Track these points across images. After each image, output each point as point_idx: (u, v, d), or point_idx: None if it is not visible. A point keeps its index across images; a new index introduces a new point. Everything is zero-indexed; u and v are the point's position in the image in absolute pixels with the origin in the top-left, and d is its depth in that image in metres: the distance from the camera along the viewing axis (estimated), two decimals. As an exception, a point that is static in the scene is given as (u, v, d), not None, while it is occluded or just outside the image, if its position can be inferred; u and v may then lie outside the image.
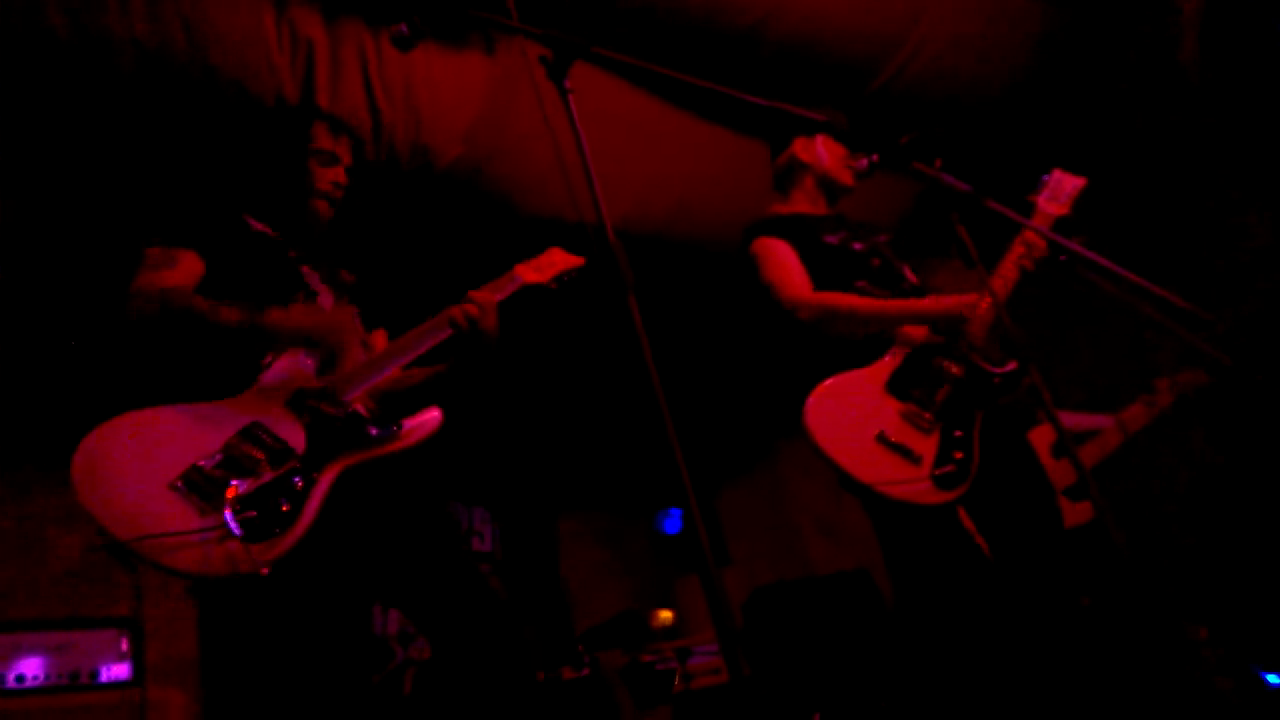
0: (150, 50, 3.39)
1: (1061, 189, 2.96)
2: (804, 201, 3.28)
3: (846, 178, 3.23)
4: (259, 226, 2.62)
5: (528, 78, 1.92)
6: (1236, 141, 4.51)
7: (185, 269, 2.39)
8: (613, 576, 7.51)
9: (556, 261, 2.79)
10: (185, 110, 3.62)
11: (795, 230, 3.13)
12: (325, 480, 2.21)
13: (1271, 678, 3.31)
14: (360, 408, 2.37)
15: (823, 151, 3.26)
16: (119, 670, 4.36)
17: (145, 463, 2.08)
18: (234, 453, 2.15)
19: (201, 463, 2.10)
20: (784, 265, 3.02)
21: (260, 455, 2.17)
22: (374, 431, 2.33)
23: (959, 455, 2.68)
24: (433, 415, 2.44)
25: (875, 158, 2.76)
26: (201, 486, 2.07)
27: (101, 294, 2.49)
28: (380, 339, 2.70)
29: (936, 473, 2.63)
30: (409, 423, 2.39)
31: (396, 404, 2.51)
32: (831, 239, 3.12)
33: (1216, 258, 4.54)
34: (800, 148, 3.28)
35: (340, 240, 2.82)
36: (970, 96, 4.64)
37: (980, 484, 2.69)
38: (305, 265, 2.64)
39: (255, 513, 2.08)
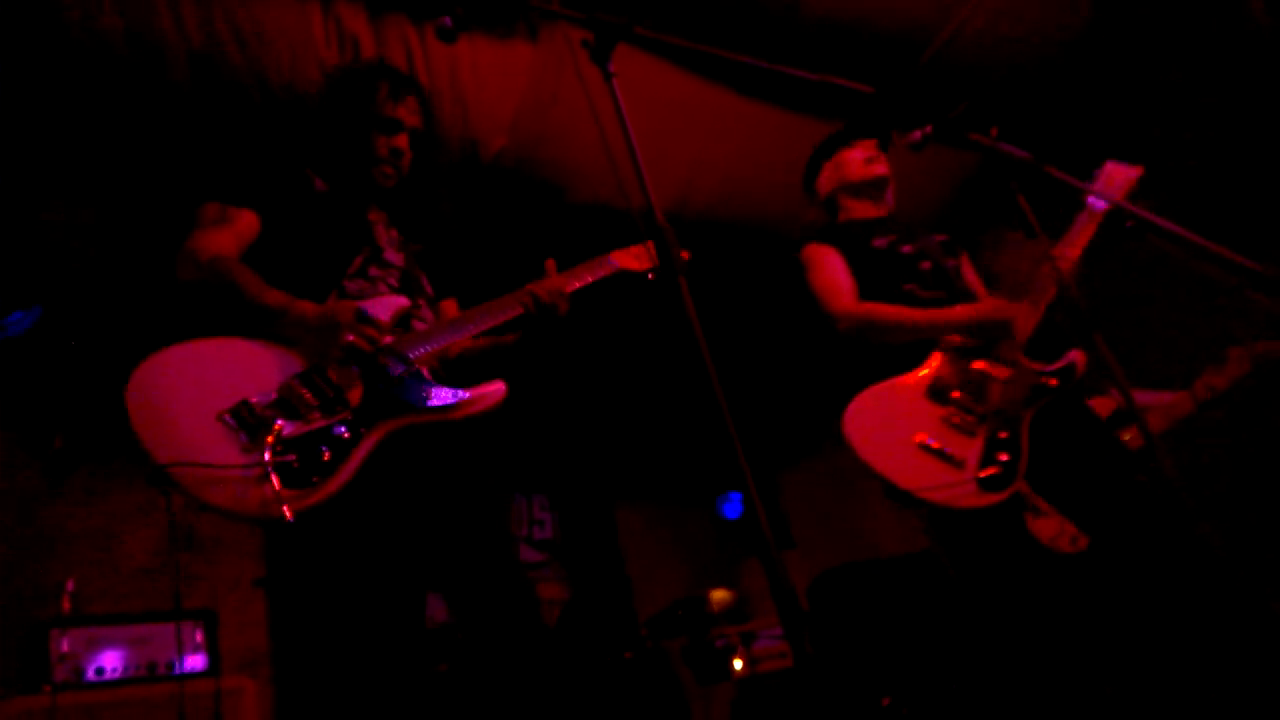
0: (203, 56, 3.47)
1: (1114, 181, 2.88)
2: (854, 209, 3.30)
3: (877, 169, 3.24)
4: (322, 186, 2.57)
5: (571, 64, 1.91)
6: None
7: (239, 229, 2.37)
8: (675, 562, 7.51)
9: (647, 257, 2.79)
10: (238, 109, 3.68)
11: (844, 237, 3.15)
12: (374, 437, 2.16)
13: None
14: (425, 370, 2.33)
15: (843, 164, 3.29)
16: (195, 661, 4.45)
17: (201, 391, 2.05)
18: (288, 394, 2.12)
19: (254, 399, 2.07)
20: (829, 274, 3.05)
21: (314, 400, 2.13)
22: (433, 394, 2.28)
23: (1004, 457, 2.64)
24: (496, 388, 2.38)
25: (929, 129, 2.70)
26: (248, 422, 2.04)
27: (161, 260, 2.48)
28: (450, 307, 2.69)
29: (980, 475, 2.60)
30: (470, 392, 2.33)
31: (461, 371, 2.48)
32: (880, 243, 3.12)
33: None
34: (827, 174, 3.33)
35: (409, 210, 2.77)
36: (1025, 63, 4.52)
37: (1050, 466, 2.65)
38: (374, 226, 2.59)
39: (295, 457, 2.04)
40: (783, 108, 4.43)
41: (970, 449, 2.65)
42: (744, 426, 1.57)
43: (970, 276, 3.17)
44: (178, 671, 4.36)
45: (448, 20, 2.09)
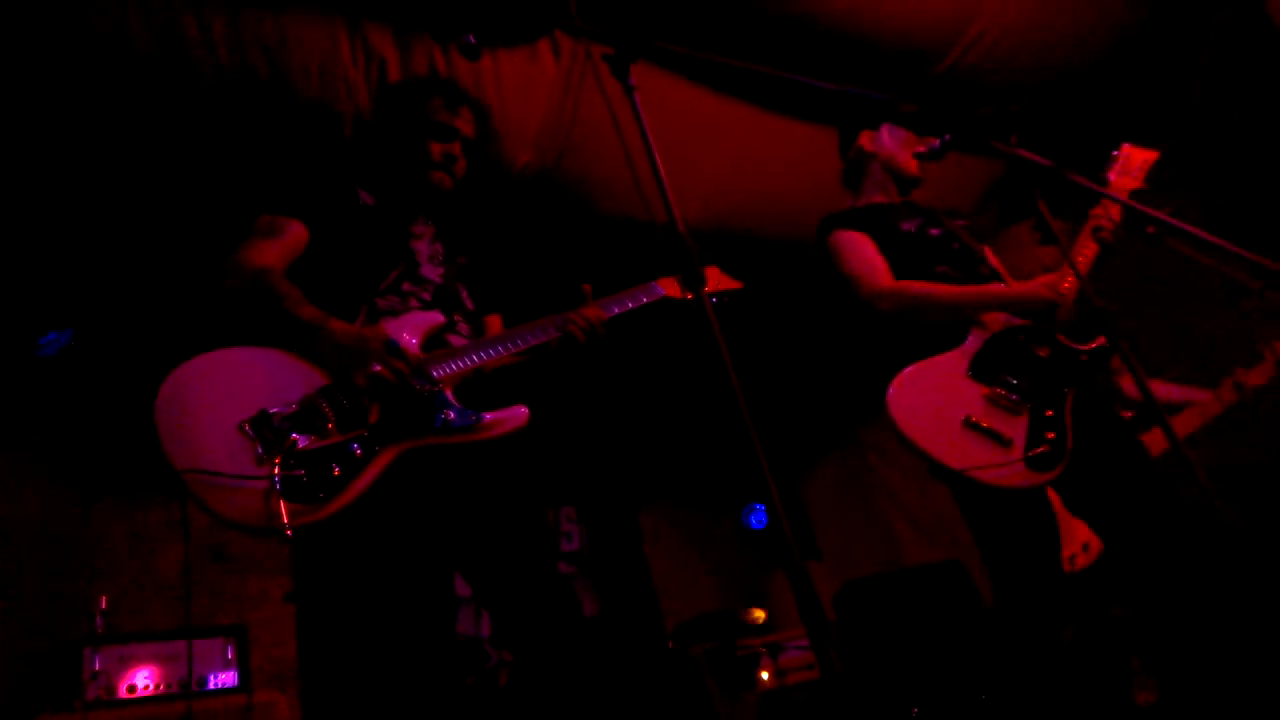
0: (233, 78, 3.52)
1: (1132, 163, 2.88)
2: (876, 193, 3.24)
3: (913, 166, 3.18)
4: (366, 198, 2.61)
5: (593, 78, 1.93)
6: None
7: (287, 240, 2.42)
8: (702, 574, 7.48)
9: (709, 280, 2.77)
10: (269, 129, 3.75)
11: (872, 221, 3.10)
12: (387, 456, 2.16)
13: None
14: (449, 390, 2.33)
15: (887, 139, 3.23)
16: (226, 677, 4.48)
17: (226, 399, 2.09)
18: (308, 408, 2.14)
19: (272, 410, 2.10)
20: (862, 257, 2.99)
21: (332, 416, 2.15)
22: (452, 417, 2.28)
23: (1051, 435, 2.60)
24: (518, 413, 2.37)
25: (947, 137, 2.71)
26: (265, 434, 2.06)
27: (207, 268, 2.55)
28: (495, 324, 2.70)
29: (1030, 454, 2.56)
30: (491, 416, 2.32)
31: (491, 385, 2.48)
32: (908, 226, 3.08)
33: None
34: (866, 140, 3.26)
35: (459, 222, 2.80)
36: (1039, 75, 4.52)
37: (1078, 464, 2.62)
38: (415, 241, 2.62)
39: (304, 472, 2.05)
40: (803, 120, 4.44)
41: (1016, 427, 2.62)
42: (767, 434, 1.58)
43: (994, 261, 3.15)
44: (210, 687, 4.39)
45: (471, 37, 2.13)
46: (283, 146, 3.77)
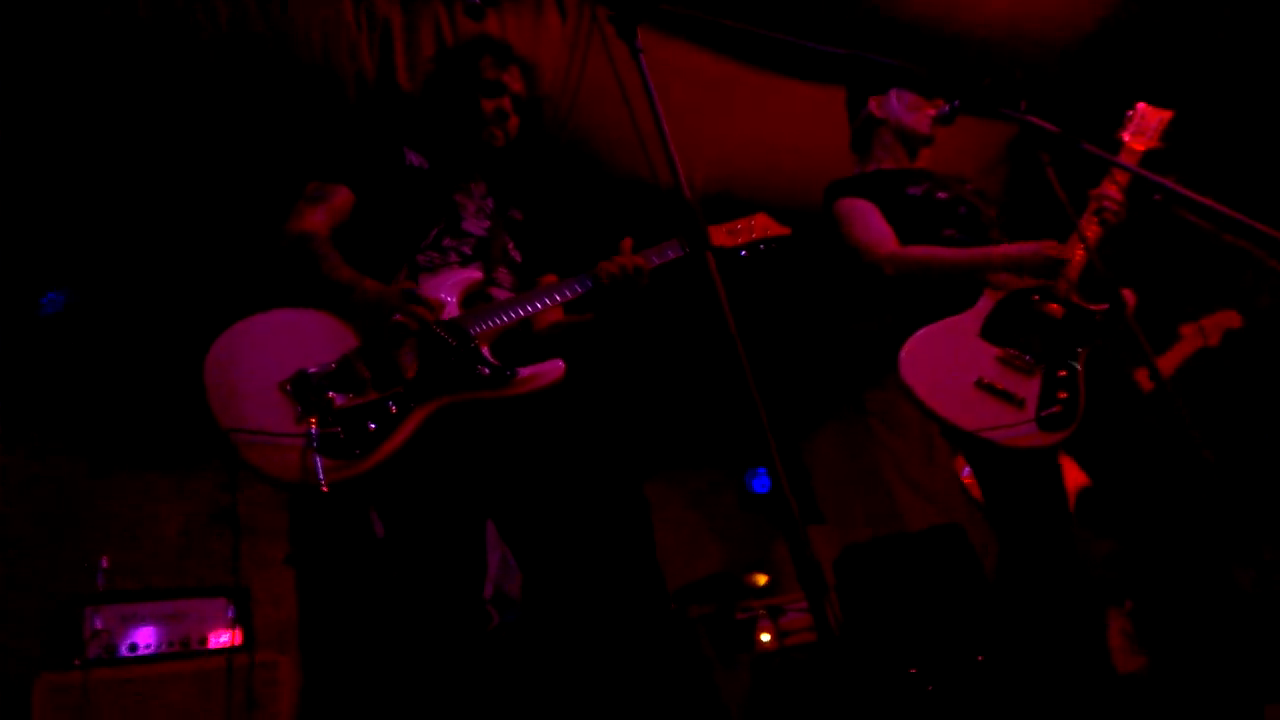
0: (233, 40, 3.51)
1: (1147, 123, 2.86)
2: (885, 158, 3.23)
3: (924, 126, 3.16)
4: (415, 160, 2.64)
5: (600, 40, 1.91)
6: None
7: (334, 204, 2.47)
8: (705, 538, 7.52)
9: (755, 227, 2.76)
10: (271, 93, 3.75)
11: (877, 187, 3.09)
12: (423, 412, 2.20)
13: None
14: (485, 347, 2.35)
15: (896, 104, 3.20)
16: (227, 637, 4.51)
17: (270, 360, 2.15)
18: (346, 366, 2.19)
19: (311, 369, 2.15)
20: (867, 223, 2.98)
21: (368, 374, 2.20)
22: (485, 372, 2.29)
23: (1064, 395, 2.60)
24: (554, 366, 2.37)
25: (957, 102, 2.69)
26: (304, 392, 2.12)
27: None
28: (550, 281, 2.67)
29: (1042, 414, 2.56)
30: (526, 371, 2.33)
31: (520, 348, 2.47)
32: (915, 190, 3.06)
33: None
34: (874, 105, 3.23)
35: (514, 178, 2.83)
36: (1049, 42, 4.48)
37: (1090, 426, 2.62)
38: (460, 195, 2.64)
39: (340, 429, 2.10)
40: (812, 82, 4.41)
41: (1029, 388, 2.62)
42: (771, 397, 1.58)
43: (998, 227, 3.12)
44: (210, 646, 4.43)
45: (476, -2, 2.11)
46: (287, 110, 3.75)
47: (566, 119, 4.21)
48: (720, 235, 2.73)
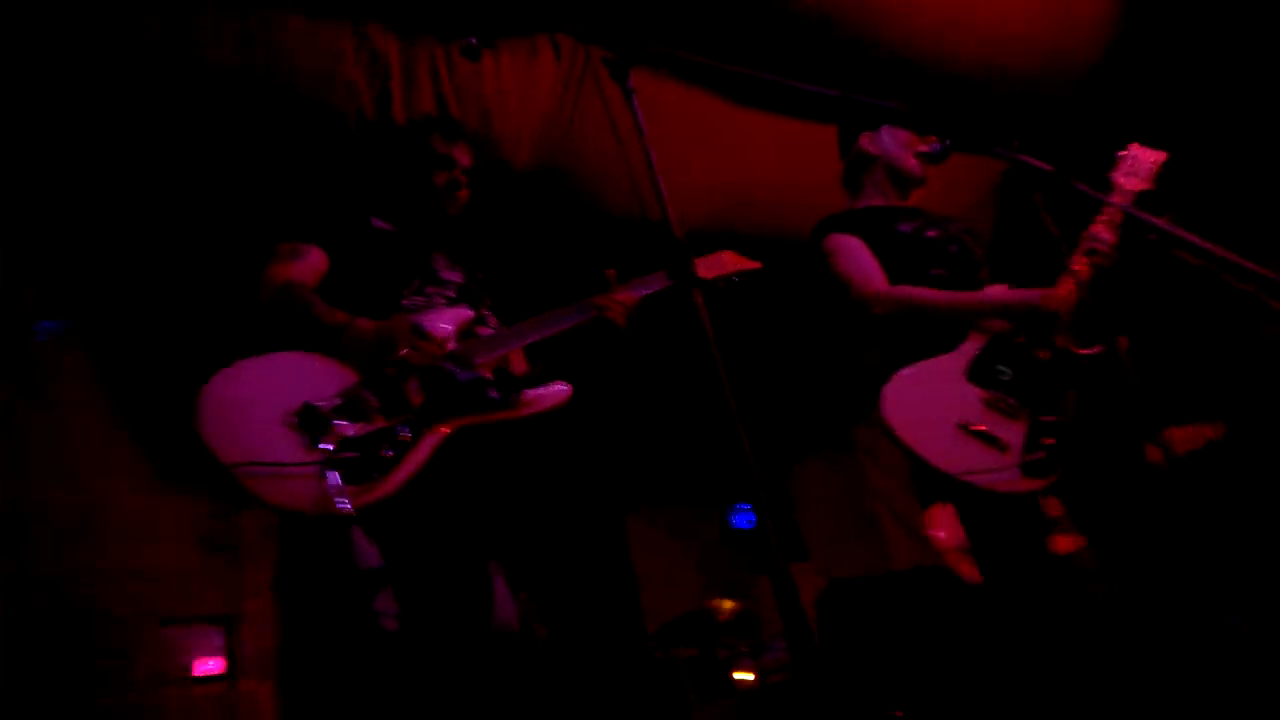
0: (239, 76, 3.56)
1: (1140, 164, 2.85)
2: (875, 195, 3.23)
3: (915, 166, 3.16)
4: (382, 225, 2.73)
5: (593, 81, 1.94)
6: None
7: (309, 263, 2.53)
8: (688, 573, 7.48)
9: (726, 263, 2.83)
10: (276, 128, 3.79)
11: (867, 224, 3.08)
12: (435, 436, 2.25)
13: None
14: (487, 373, 2.43)
15: (888, 140, 3.21)
16: (213, 664, 4.48)
17: (268, 398, 2.17)
18: (352, 397, 2.22)
19: (318, 402, 2.17)
20: (856, 261, 2.97)
21: (376, 403, 2.23)
22: (494, 395, 2.37)
23: (1050, 441, 2.58)
24: (559, 389, 2.47)
25: (948, 140, 2.71)
26: (311, 423, 2.14)
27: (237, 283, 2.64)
28: None
29: (1026, 459, 2.55)
30: (530, 393, 2.42)
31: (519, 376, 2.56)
32: (905, 228, 3.06)
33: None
34: (866, 141, 3.24)
35: (469, 239, 2.92)
36: (1042, 84, 4.54)
37: (1079, 470, 2.62)
38: (435, 252, 2.74)
39: (356, 454, 2.13)
40: (803, 119, 4.46)
41: (1014, 432, 2.59)
42: (756, 431, 1.58)
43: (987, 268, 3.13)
44: (195, 675, 4.39)
45: (473, 39, 2.14)
46: (289, 144, 3.79)
47: (558, 156, 4.25)
48: (700, 268, 2.76)
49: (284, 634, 5.09)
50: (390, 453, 2.18)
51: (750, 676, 5.05)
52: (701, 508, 7.80)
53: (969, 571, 3.88)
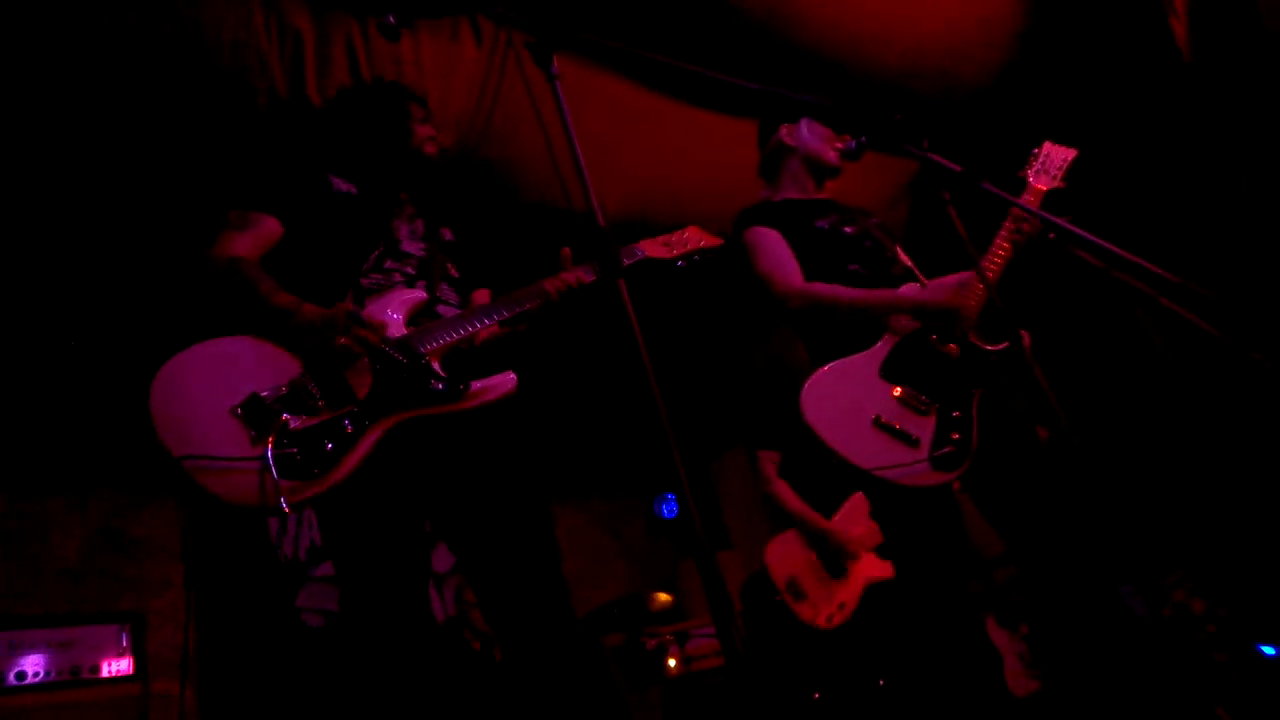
0: (142, 43, 3.41)
1: (1051, 162, 2.92)
2: (792, 187, 3.27)
3: (832, 158, 3.21)
4: (343, 186, 2.65)
5: (515, 66, 1.92)
6: (1233, 117, 4.47)
7: (261, 233, 2.47)
8: (613, 562, 7.51)
9: (689, 240, 2.83)
10: (186, 102, 3.64)
11: (786, 217, 3.12)
12: (379, 429, 2.22)
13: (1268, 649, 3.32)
14: (435, 362, 2.37)
15: (807, 134, 3.26)
16: (121, 665, 4.36)
17: (217, 388, 2.15)
18: (297, 388, 2.19)
19: (263, 393, 2.15)
20: (775, 255, 3.02)
21: (320, 394, 2.20)
22: (439, 387, 2.32)
23: (956, 436, 2.67)
24: (506, 379, 2.42)
25: (863, 138, 2.76)
26: (256, 416, 2.12)
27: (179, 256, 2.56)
28: (482, 296, 2.74)
29: (935, 454, 2.62)
30: (478, 384, 2.37)
31: (469, 362, 2.51)
32: (822, 223, 3.11)
33: (1213, 231, 4.52)
34: (785, 133, 3.29)
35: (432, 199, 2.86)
36: (956, 88, 4.64)
37: (984, 466, 2.69)
38: (396, 220, 2.67)
39: (296, 450, 2.11)
40: (725, 114, 4.49)
41: (924, 427, 2.67)
42: (679, 420, 1.59)
43: (906, 260, 3.20)
44: (103, 675, 4.26)
45: (391, 17, 2.11)
46: (199, 119, 3.67)
47: (479, 143, 4.21)
48: (656, 247, 2.79)
49: (200, 632, 5.02)
50: (331, 445, 2.15)
51: (674, 663, 5.08)
52: (629, 500, 7.82)
53: (879, 568, 3.99)
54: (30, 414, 4.98)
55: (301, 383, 2.20)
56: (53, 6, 3.26)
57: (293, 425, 2.13)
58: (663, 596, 5.56)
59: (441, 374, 2.36)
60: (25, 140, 3.66)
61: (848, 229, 3.12)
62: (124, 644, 4.40)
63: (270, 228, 2.49)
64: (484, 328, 2.50)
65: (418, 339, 2.37)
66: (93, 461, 5.15)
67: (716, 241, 2.90)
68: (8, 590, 4.64)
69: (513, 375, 2.44)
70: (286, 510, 2.03)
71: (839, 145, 3.17)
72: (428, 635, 2.38)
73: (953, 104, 4.73)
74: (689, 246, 2.82)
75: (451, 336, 2.42)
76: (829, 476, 3.97)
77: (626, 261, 2.68)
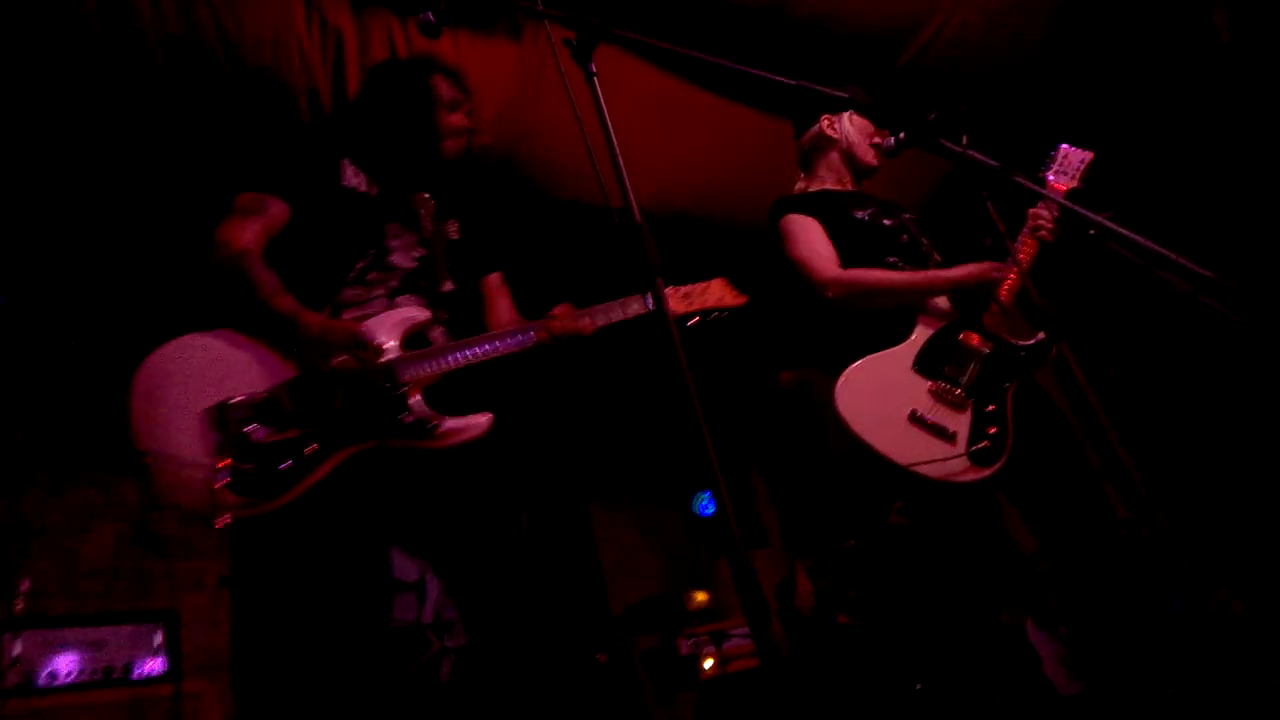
0: (183, 46, 3.45)
1: (1070, 163, 2.93)
2: (830, 179, 3.26)
3: (871, 156, 3.22)
4: (353, 179, 2.59)
5: (554, 63, 1.91)
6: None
7: (269, 217, 2.43)
8: (651, 561, 7.48)
9: (711, 293, 2.70)
10: (223, 106, 3.67)
11: (824, 207, 3.10)
12: (339, 456, 2.16)
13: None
14: (417, 393, 2.30)
15: (849, 127, 3.24)
16: (153, 665, 4.37)
17: (199, 385, 2.12)
18: (271, 400, 2.15)
19: (236, 399, 2.11)
20: (812, 242, 2.99)
21: (291, 409, 2.16)
22: (408, 420, 2.25)
23: (993, 430, 2.64)
24: (479, 421, 2.34)
25: (902, 135, 2.73)
26: (224, 424, 2.09)
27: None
28: (494, 280, 2.74)
29: (972, 449, 2.60)
30: (451, 423, 2.30)
31: (451, 392, 2.44)
32: (861, 214, 3.09)
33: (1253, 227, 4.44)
34: (826, 124, 3.26)
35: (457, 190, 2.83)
36: (1000, 68, 4.57)
37: (1019, 462, 2.66)
38: (393, 223, 2.59)
39: (253, 465, 2.07)
40: (764, 111, 4.46)
41: (960, 422, 2.65)
42: (718, 420, 1.57)
43: (937, 257, 3.18)
44: (135, 676, 4.27)
45: (430, 15, 2.10)
46: (238, 120, 3.68)
47: (516, 139, 4.19)
48: (674, 300, 2.66)
49: (236, 633, 5.02)
50: (288, 464, 2.10)
51: (710, 663, 5.04)
52: (666, 500, 7.80)
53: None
54: (64, 399, 5.03)
55: (280, 394, 2.16)
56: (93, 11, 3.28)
57: (255, 437, 2.09)
58: (700, 595, 5.52)
59: (419, 408, 2.28)
60: (56, 134, 3.71)
61: (886, 221, 3.10)
62: (157, 643, 4.41)
63: (279, 211, 2.44)
64: (473, 360, 2.40)
65: (404, 365, 2.30)
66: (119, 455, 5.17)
67: (740, 301, 2.75)
68: (41, 588, 4.65)
69: (486, 418, 2.35)
70: (217, 526, 1.99)
71: (878, 140, 3.15)
72: (396, 646, 2.32)
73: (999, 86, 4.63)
74: (709, 303, 2.68)
75: (438, 367, 2.34)
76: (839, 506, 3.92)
77: (633, 312, 2.55)
